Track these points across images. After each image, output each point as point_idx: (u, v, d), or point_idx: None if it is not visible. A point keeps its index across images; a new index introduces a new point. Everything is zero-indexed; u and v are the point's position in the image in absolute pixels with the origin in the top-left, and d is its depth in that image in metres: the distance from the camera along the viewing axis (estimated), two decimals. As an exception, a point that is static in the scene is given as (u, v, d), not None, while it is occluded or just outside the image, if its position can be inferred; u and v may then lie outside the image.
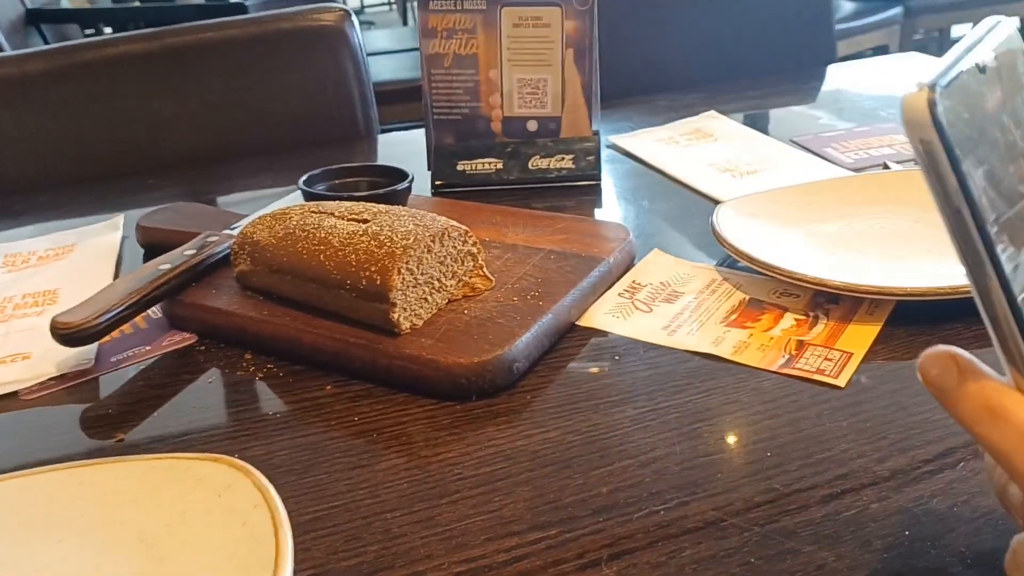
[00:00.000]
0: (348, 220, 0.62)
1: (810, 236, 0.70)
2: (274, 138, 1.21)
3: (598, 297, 0.66)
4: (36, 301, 0.71)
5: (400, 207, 0.64)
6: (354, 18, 1.22)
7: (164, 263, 0.66)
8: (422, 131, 0.92)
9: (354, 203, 0.65)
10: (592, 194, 0.88)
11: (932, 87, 0.28)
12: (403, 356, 0.56)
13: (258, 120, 1.20)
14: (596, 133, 0.91)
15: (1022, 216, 0.31)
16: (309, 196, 0.76)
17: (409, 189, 0.78)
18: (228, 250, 0.69)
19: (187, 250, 0.68)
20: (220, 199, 0.99)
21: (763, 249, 0.65)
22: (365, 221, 0.61)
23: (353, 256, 0.58)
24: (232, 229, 0.74)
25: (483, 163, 0.90)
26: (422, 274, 0.59)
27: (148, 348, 0.64)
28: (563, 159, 0.89)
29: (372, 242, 0.58)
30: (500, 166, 0.90)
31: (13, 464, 0.52)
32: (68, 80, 1.13)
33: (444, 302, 0.61)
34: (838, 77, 1.29)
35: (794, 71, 1.36)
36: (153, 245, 0.80)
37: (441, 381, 0.55)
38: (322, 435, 0.53)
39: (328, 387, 0.58)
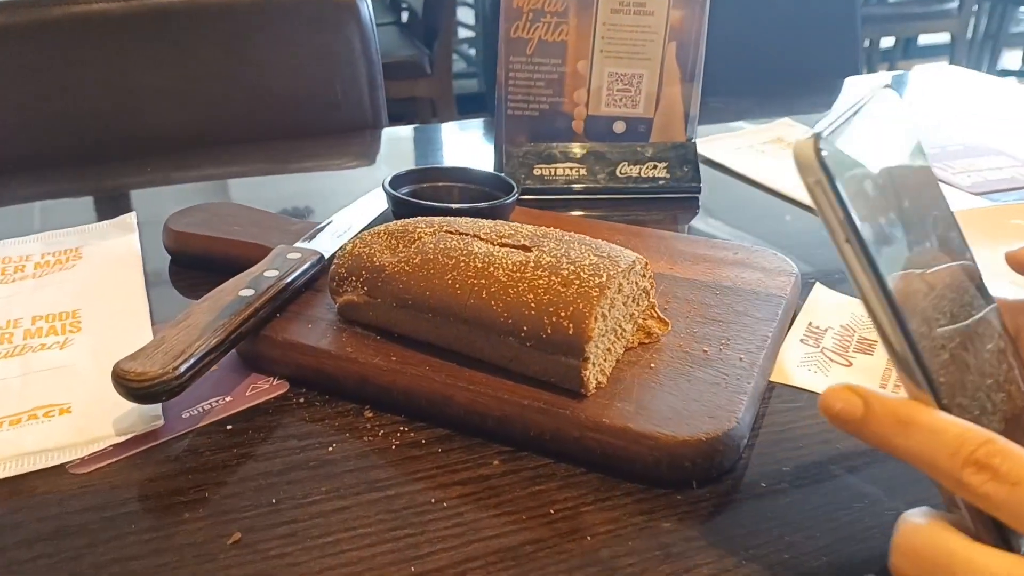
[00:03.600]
0: (502, 246, 0.49)
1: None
2: (269, 119, 1.05)
3: (778, 346, 0.55)
4: (54, 328, 0.55)
5: (556, 229, 0.51)
6: (366, -10, 1.07)
7: (243, 288, 0.51)
8: (431, 126, 0.79)
9: (498, 223, 0.52)
10: (687, 208, 0.77)
11: (818, 135, 0.31)
12: (602, 428, 0.44)
13: (253, 98, 1.05)
14: (690, 139, 0.79)
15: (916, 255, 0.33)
16: (397, 201, 0.62)
17: (514, 205, 0.65)
18: (314, 271, 0.55)
19: (267, 270, 0.53)
20: (231, 191, 0.83)
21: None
22: (527, 248, 0.48)
23: (530, 295, 0.45)
24: (306, 242, 0.59)
25: (565, 168, 0.77)
26: (611, 319, 0.47)
27: (229, 399, 0.49)
28: (656, 167, 0.78)
29: (552, 278, 0.46)
30: (584, 172, 0.77)
31: (88, 579, 0.38)
32: (30, 40, 0.95)
33: (622, 352, 0.49)
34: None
35: (819, 79, 1.29)
36: (186, 253, 0.65)
37: (657, 463, 0.43)
38: (517, 535, 0.40)
39: (496, 462, 0.45)
